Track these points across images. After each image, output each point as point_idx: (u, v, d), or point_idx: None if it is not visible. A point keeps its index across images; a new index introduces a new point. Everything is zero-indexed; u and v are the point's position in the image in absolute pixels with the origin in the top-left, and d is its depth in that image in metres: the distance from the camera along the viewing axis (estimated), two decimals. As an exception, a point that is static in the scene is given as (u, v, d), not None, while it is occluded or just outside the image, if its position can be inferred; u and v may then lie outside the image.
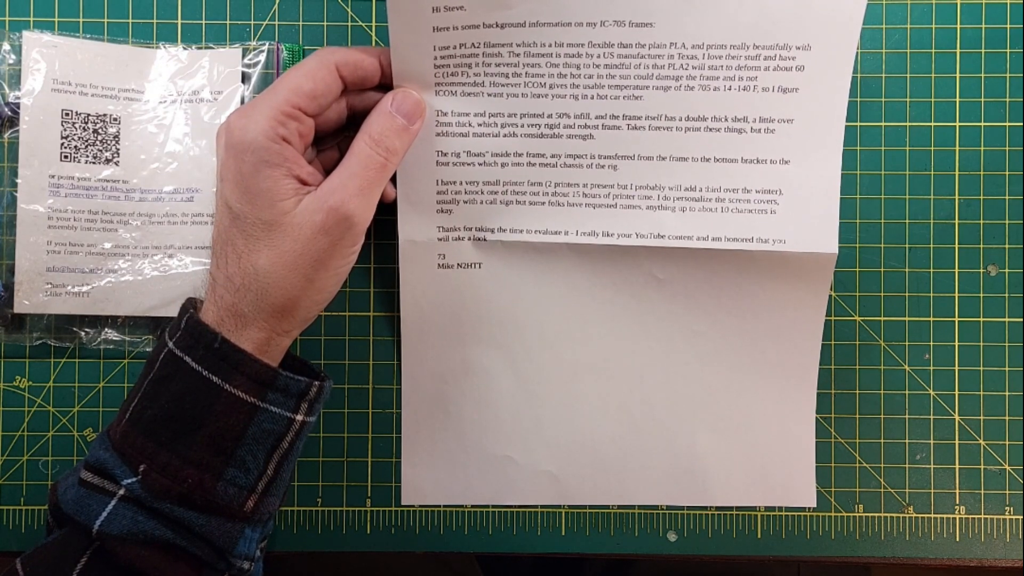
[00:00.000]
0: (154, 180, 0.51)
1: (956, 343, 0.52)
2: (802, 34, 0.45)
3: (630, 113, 0.46)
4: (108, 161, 0.50)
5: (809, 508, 0.52)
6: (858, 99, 0.52)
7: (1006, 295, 0.52)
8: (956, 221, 0.52)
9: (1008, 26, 0.51)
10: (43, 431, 0.52)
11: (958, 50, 0.51)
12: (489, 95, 0.46)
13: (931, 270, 0.52)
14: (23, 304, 0.50)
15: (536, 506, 0.53)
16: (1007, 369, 0.52)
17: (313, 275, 0.42)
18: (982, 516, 0.52)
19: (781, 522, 0.53)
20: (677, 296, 0.50)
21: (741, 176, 0.47)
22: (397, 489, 0.53)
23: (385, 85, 0.46)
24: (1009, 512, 0.52)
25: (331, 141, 0.48)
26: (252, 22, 0.52)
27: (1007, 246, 0.52)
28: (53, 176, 0.50)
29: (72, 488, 0.41)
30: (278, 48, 0.52)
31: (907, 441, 0.52)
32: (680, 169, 0.47)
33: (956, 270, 0.52)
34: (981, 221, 0.52)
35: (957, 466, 0.52)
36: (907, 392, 0.52)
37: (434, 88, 0.46)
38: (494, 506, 0.53)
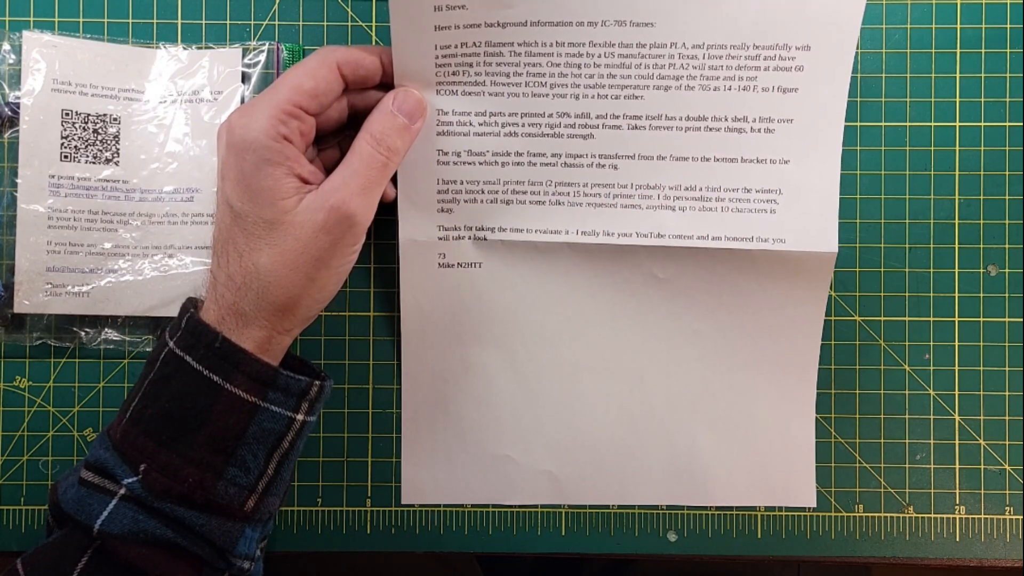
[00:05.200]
0: (154, 180, 0.51)
1: (956, 343, 0.52)
2: (802, 34, 0.45)
3: (630, 113, 0.47)
4: (108, 161, 0.50)
5: (809, 508, 0.52)
6: (858, 99, 0.52)
7: (1006, 295, 0.52)
8: (956, 221, 0.52)
9: (1008, 26, 0.51)
10: (43, 431, 0.52)
11: (958, 50, 0.51)
12: (490, 94, 0.47)
13: (931, 270, 0.52)
14: (23, 304, 0.50)
15: (536, 506, 0.53)
16: (1007, 369, 0.52)
17: (314, 274, 0.42)
18: (982, 516, 0.52)
19: (781, 522, 0.53)
20: (677, 295, 0.50)
21: (741, 176, 0.47)
22: (397, 489, 0.53)
23: (386, 84, 0.46)
24: (1009, 512, 0.52)
25: (332, 140, 0.48)
26: (252, 22, 0.52)
27: (1007, 246, 0.52)
28: (53, 176, 0.50)
29: (72, 488, 0.41)
30: (278, 48, 0.52)
31: (907, 441, 0.52)
32: (680, 169, 0.47)
33: (956, 270, 0.52)
34: (981, 221, 0.52)
35: (957, 466, 0.52)
36: (907, 392, 0.52)
37: (435, 87, 0.46)
38: (494, 506, 0.53)
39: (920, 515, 0.52)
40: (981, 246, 0.52)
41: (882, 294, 0.52)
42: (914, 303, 0.52)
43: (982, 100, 0.52)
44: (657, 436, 0.52)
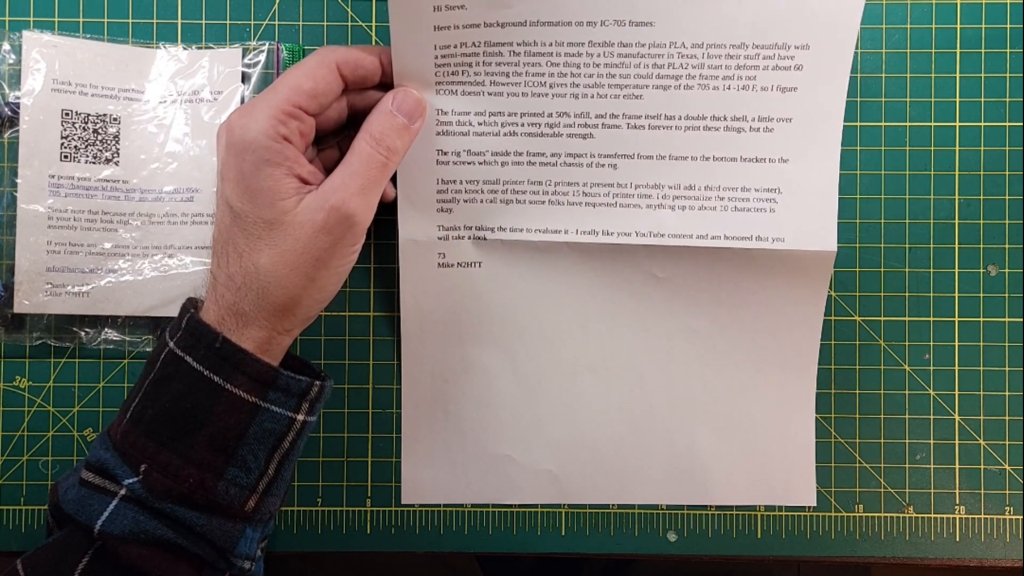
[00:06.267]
0: (154, 180, 0.51)
1: (956, 343, 0.52)
2: (801, 34, 0.45)
3: (630, 112, 0.47)
4: (108, 161, 0.50)
5: (809, 508, 0.52)
6: (858, 99, 0.52)
7: (1006, 295, 0.52)
8: (956, 221, 0.52)
9: (1008, 26, 0.51)
10: (43, 431, 0.52)
11: (958, 50, 0.51)
12: (489, 94, 0.47)
13: (931, 270, 0.52)
14: (23, 304, 0.50)
15: (536, 506, 0.53)
16: (1007, 369, 0.52)
17: (314, 274, 0.42)
18: (982, 516, 0.52)
19: (781, 522, 0.53)
20: (676, 295, 0.50)
21: (740, 175, 0.47)
22: (397, 489, 0.53)
23: (386, 84, 0.46)
24: (1009, 512, 0.52)
25: (331, 140, 0.48)
26: (252, 22, 0.52)
27: (1007, 246, 0.52)
28: (53, 176, 0.50)
29: (73, 488, 0.41)
30: (278, 48, 0.52)
31: (907, 441, 0.52)
32: (679, 168, 0.47)
33: (956, 270, 0.52)
34: (981, 221, 0.52)
35: (957, 466, 0.52)
36: (907, 392, 0.52)
37: (435, 87, 0.46)
38: (494, 506, 0.53)
39: (920, 515, 0.52)
40: (981, 246, 0.52)
41: (882, 294, 0.52)
42: (914, 303, 0.52)
43: (982, 100, 0.52)
44: (657, 435, 0.52)
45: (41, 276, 0.50)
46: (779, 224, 0.47)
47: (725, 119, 0.46)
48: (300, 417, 0.43)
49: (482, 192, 0.48)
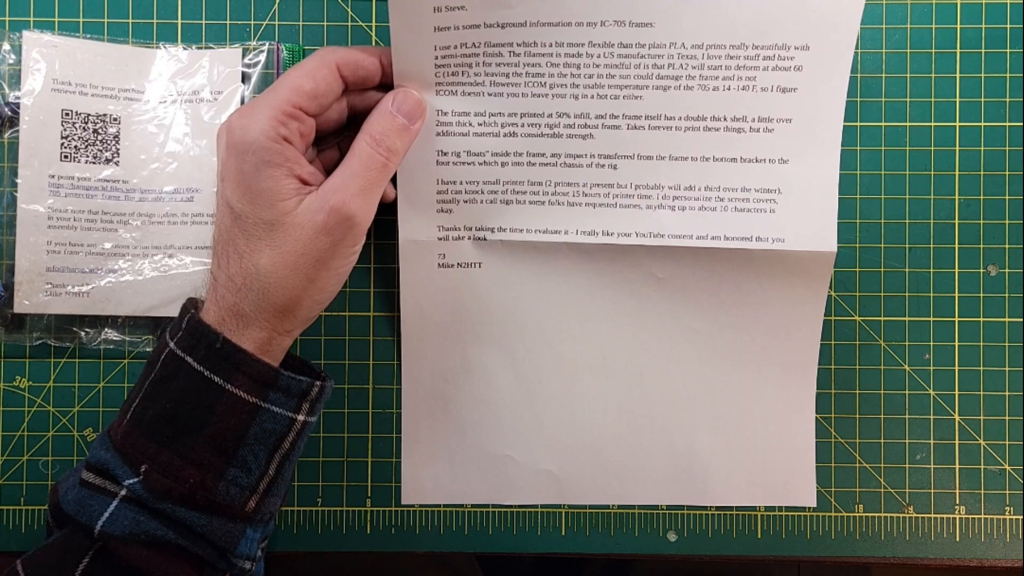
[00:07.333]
0: (154, 180, 0.51)
1: (956, 343, 0.52)
2: (800, 34, 0.45)
3: (630, 112, 0.47)
4: (108, 161, 0.50)
5: (809, 508, 0.52)
6: (858, 99, 0.52)
7: (1006, 295, 0.52)
8: (956, 221, 0.52)
9: (1008, 26, 0.51)
10: (43, 431, 0.52)
11: (958, 50, 0.51)
12: (489, 95, 0.47)
13: (931, 270, 0.52)
14: (23, 304, 0.50)
15: (536, 506, 0.53)
16: (1007, 369, 0.52)
17: (314, 275, 0.42)
18: (982, 516, 0.52)
19: (781, 522, 0.53)
20: (676, 295, 0.50)
21: (740, 175, 0.47)
22: (397, 489, 0.53)
23: (386, 85, 0.46)
24: (1009, 512, 0.52)
25: (332, 141, 0.48)
26: (252, 22, 0.52)
27: (1007, 246, 0.52)
28: (53, 176, 0.50)
29: (73, 488, 0.41)
30: (278, 48, 0.52)
31: (907, 441, 0.52)
32: (679, 168, 0.47)
33: (956, 270, 0.52)
34: (981, 221, 0.52)
35: (957, 466, 0.52)
36: (907, 392, 0.52)
37: (435, 88, 0.46)
38: (494, 506, 0.53)
39: (920, 515, 0.52)
40: (981, 246, 0.52)
41: (882, 294, 0.52)
42: (914, 303, 0.52)
43: (982, 100, 0.52)
44: (657, 435, 0.52)
45: (41, 276, 0.50)
46: (779, 224, 0.47)
47: (725, 119, 0.46)
48: (300, 417, 0.43)
49: (482, 192, 0.48)
